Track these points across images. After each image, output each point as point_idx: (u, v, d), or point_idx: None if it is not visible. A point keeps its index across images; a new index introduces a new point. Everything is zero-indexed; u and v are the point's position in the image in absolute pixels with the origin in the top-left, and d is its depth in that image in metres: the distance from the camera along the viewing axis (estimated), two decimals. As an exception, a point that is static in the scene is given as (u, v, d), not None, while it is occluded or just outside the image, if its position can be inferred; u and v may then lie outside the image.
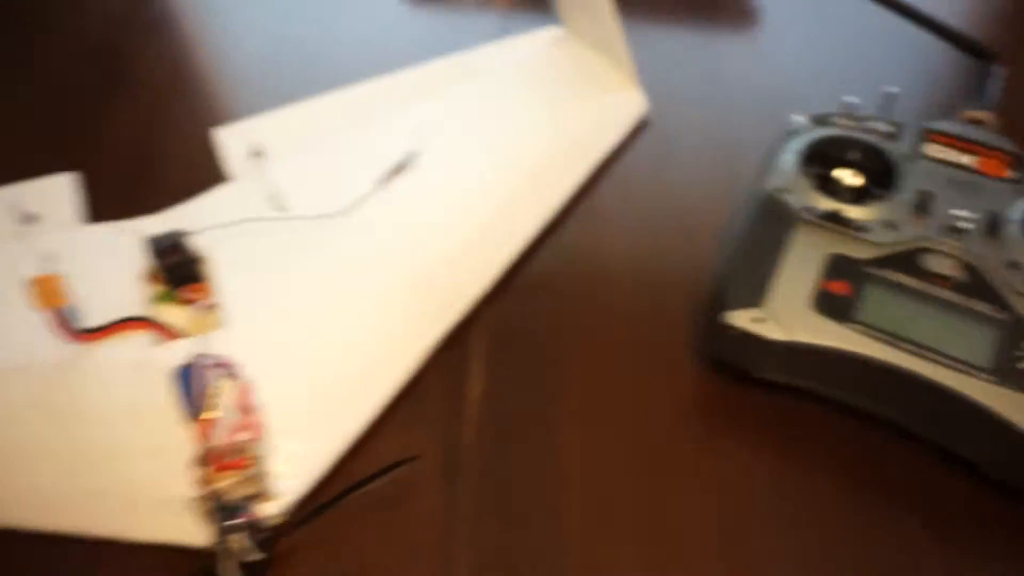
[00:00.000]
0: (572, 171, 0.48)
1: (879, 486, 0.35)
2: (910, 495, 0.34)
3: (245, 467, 0.32)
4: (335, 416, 0.36)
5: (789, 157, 0.39)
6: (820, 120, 0.41)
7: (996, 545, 0.33)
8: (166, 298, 0.41)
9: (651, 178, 0.49)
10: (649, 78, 0.52)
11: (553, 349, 0.40)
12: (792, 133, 0.40)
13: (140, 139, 0.51)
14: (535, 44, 0.56)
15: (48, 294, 0.36)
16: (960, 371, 0.32)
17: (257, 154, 0.47)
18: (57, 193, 0.46)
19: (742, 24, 0.59)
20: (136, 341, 0.38)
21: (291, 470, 0.34)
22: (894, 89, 0.40)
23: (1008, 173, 0.38)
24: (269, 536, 0.32)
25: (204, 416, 0.32)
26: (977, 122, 0.42)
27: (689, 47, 0.57)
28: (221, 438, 0.32)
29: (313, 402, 0.36)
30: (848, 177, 0.38)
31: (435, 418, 0.37)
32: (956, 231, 0.35)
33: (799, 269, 0.35)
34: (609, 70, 0.53)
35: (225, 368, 0.35)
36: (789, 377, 0.36)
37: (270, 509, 0.33)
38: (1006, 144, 0.40)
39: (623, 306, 0.42)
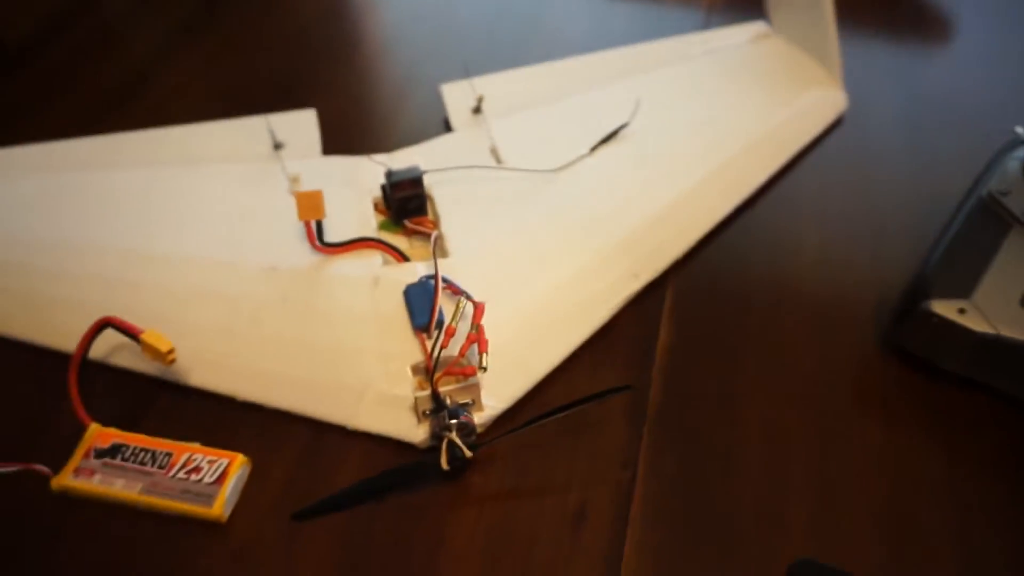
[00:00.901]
0: (771, 157, 0.50)
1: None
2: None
3: (470, 376, 0.36)
4: (538, 348, 0.40)
5: (1014, 164, 0.39)
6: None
7: None
8: (388, 227, 0.46)
9: (845, 173, 0.50)
10: (849, 80, 0.54)
11: (738, 316, 0.42)
12: (1018, 141, 0.41)
13: (370, 90, 0.57)
14: (741, 36, 0.58)
15: (310, 208, 0.41)
16: None
17: (478, 110, 0.52)
18: (302, 125, 0.52)
19: (939, 36, 0.60)
20: (369, 259, 0.43)
21: (499, 389, 0.38)
22: None
23: None
24: (477, 439, 0.36)
25: (447, 327, 0.36)
26: None
27: (888, 54, 0.58)
28: (454, 349, 0.36)
29: (520, 333, 0.40)
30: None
31: (624, 363, 0.40)
32: None
33: (1011, 268, 0.36)
34: (813, 67, 0.55)
35: (457, 291, 0.39)
36: (979, 372, 0.37)
37: (479, 418, 0.37)
38: None
39: (808, 287, 0.44)
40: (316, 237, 0.42)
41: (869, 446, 0.37)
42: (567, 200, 0.46)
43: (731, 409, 0.39)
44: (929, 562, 0.33)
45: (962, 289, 0.36)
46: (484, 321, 0.38)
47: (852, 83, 0.54)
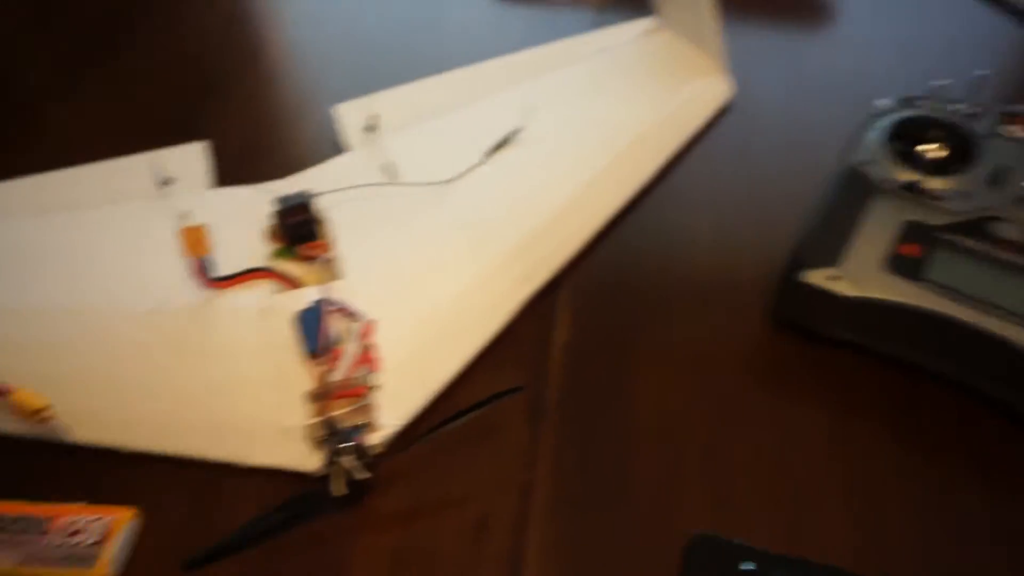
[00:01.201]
0: (661, 149, 0.50)
1: (927, 432, 0.37)
2: (955, 439, 0.36)
3: (360, 396, 0.36)
4: (435, 360, 0.40)
5: (874, 135, 0.41)
6: (906, 102, 0.43)
7: None
8: (286, 254, 0.45)
9: (734, 158, 0.51)
10: (734, 67, 0.55)
11: (633, 306, 0.43)
12: (878, 114, 0.42)
13: (265, 115, 0.56)
14: (630, 33, 0.59)
15: (195, 243, 0.41)
16: (1020, 325, 0.34)
17: (372, 128, 0.52)
18: (190, 159, 0.51)
19: (820, 21, 0.62)
20: (261, 289, 0.43)
21: (394, 406, 0.38)
22: (983, 72, 0.41)
23: (1082, 152, 0.39)
24: (374, 459, 0.36)
25: (333, 349, 0.36)
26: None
27: (771, 40, 0.60)
28: (342, 371, 0.36)
29: (416, 347, 0.40)
30: (931, 151, 0.39)
31: (524, 363, 0.41)
32: (1027, 201, 0.37)
33: (875, 234, 0.37)
34: (699, 57, 0.56)
35: (346, 312, 0.39)
36: (854, 334, 0.38)
37: (375, 438, 0.37)
38: (1083, 124, 0.41)
39: (700, 273, 0.45)
40: (203, 273, 0.42)
41: (759, 418, 0.38)
42: (462, 209, 0.47)
43: (627, 398, 0.39)
44: (823, 522, 0.35)
45: (831, 257, 0.37)
46: (379, 338, 0.39)
47: (739, 70, 0.55)
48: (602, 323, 0.42)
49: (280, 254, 0.46)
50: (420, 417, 0.38)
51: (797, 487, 0.36)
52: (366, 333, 0.37)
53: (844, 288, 0.36)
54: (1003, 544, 0.33)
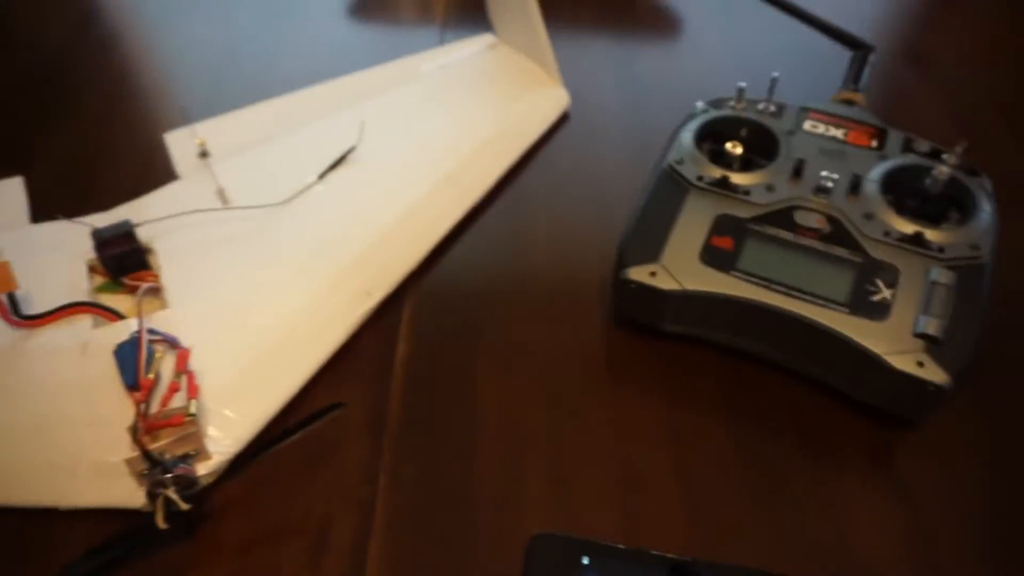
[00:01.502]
0: (499, 160, 0.51)
1: (758, 414, 0.39)
2: (784, 420, 0.38)
3: (181, 425, 0.34)
4: (268, 383, 0.39)
5: (687, 135, 0.43)
6: (716, 104, 0.45)
7: (850, 453, 0.37)
8: (110, 288, 0.43)
9: (572, 165, 0.52)
10: (573, 78, 0.57)
11: (476, 315, 0.43)
12: (692, 116, 0.44)
13: (95, 144, 0.54)
14: (470, 49, 0.60)
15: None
16: (822, 306, 0.36)
17: (204, 155, 0.51)
18: (7, 194, 0.49)
19: (661, 30, 0.64)
20: (80, 324, 0.40)
21: (225, 433, 0.37)
22: (775, 74, 0.44)
23: (871, 143, 0.43)
24: (204, 489, 0.34)
25: (151, 380, 0.34)
26: (849, 102, 0.47)
27: (609, 51, 0.62)
28: (159, 400, 0.35)
29: (248, 372, 0.39)
30: (734, 148, 0.42)
31: (364, 378, 0.40)
32: (824, 190, 0.40)
33: (690, 229, 0.39)
34: (534, 70, 0.57)
35: (164, 341, 0.37)
36: (683, 326, 0.40)
37: (205, 467, 0.35)
38: (871, 119, 0.44)
39: (542, 280, 0.45)
40: (10, 311, 0.40)
41: (600, 416, 0.39)
42: (296, 230, 0.46)
43: (469, 406, 0.39)
44: (661, 511, 0.36)
45: (652, 254, 0.39)
46: (203, 365, 0.37)
47: (578, 81, 0.57)
48: (445, 333, 0.42)
49: (105, 288, 0.43)
50: (256, 441, 0.37)
51: (637, 479, 0.37)
52: (182, 360, 0.36)
53: (665, 283, 0.38)
54: (829, 508, 0.35)
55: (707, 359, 0.41)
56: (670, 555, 0.33)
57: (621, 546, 0.33)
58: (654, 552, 0.33)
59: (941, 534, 0.35)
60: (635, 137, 0.54)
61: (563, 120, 0.56)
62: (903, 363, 0.34)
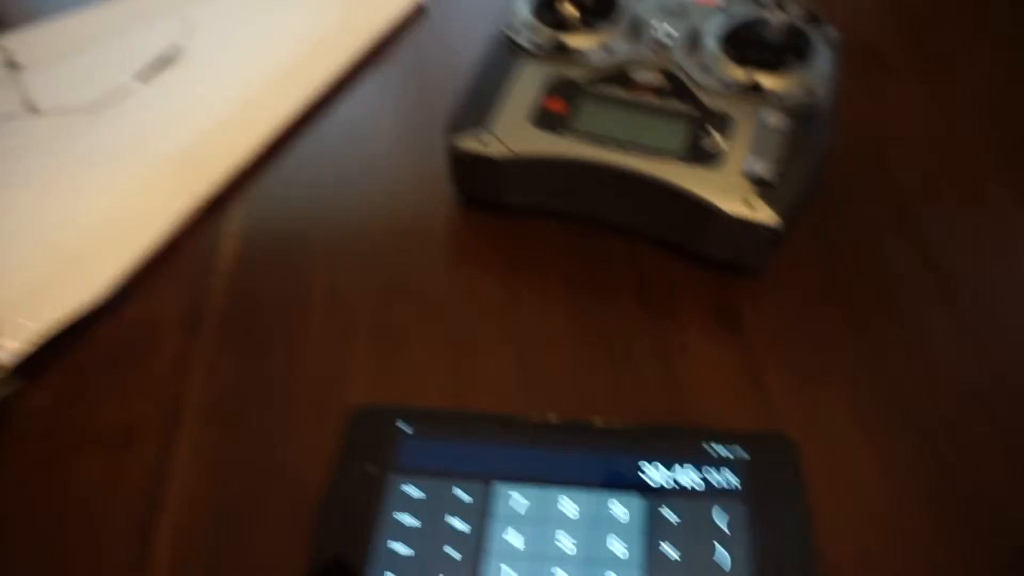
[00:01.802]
0: (337, 56, 0.48)
1: (599, 279, 0.37)
2: (625, 281, 0.37)
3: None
4: (68, 287, 0.36)
5: (521, 3, 0.40)
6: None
7: (690, 306, 0.36)
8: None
9: (425, 58, 0.50)
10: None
11: (311, 213, 0.41)
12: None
13: None
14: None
15: None
16: (656, 159, 0.35)
17: (12, 65, 0.46)
18: None
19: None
20: None
21: (15, 338, 0.34)
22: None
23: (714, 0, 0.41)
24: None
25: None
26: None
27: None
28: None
29: (55, 269, 0.36)
30: (569, 9, 0.39)
31: (185, 277, 0.38)
32: (662, 47, 0.38)
33: (523, 94, 0.37)
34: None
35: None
36: (522, 196, 0.38)
37: (-4, 365, 0.32)
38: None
39: (384, 171, 0.43)
40: None
41: (433, 292, 0.37)
42: (113, 134, 0.42)
43: (298, 300, 0.37)
44: (492, 375, 0.34)
45: (481, 121, 0.36)
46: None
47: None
48: (278, 232, 0.40)
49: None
50: (66, 338, 0.34)
51: (469, 349, 0.35)
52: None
53: (495, 149, 0.36)
54: (666, 361, 0.34)
55: (550, 231, 0.39)
56: (495, 413, 0.31)
57: (441, 409, 0.32)
58: (477, 412, 0.32)
59: (769, 369, 0.34)
60: (491, 25, 0.52)
61: (420, 15, 0.53)
62: (734, 207, 0.33)
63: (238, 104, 0.44)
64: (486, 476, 0.29)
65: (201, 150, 0.42)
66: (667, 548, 0.27)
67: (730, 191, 0.33)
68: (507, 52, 0.39)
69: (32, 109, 0.44)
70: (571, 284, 0.37)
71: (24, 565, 0.29)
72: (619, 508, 0.28)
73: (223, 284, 0.37)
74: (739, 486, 0.29)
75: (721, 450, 0.30)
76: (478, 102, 0.37)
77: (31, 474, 0.31)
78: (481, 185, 0.38)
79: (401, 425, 0.31)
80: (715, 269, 0.37)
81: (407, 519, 0.28)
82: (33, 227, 0.38)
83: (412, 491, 0.29)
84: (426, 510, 0.28)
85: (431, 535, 0.28)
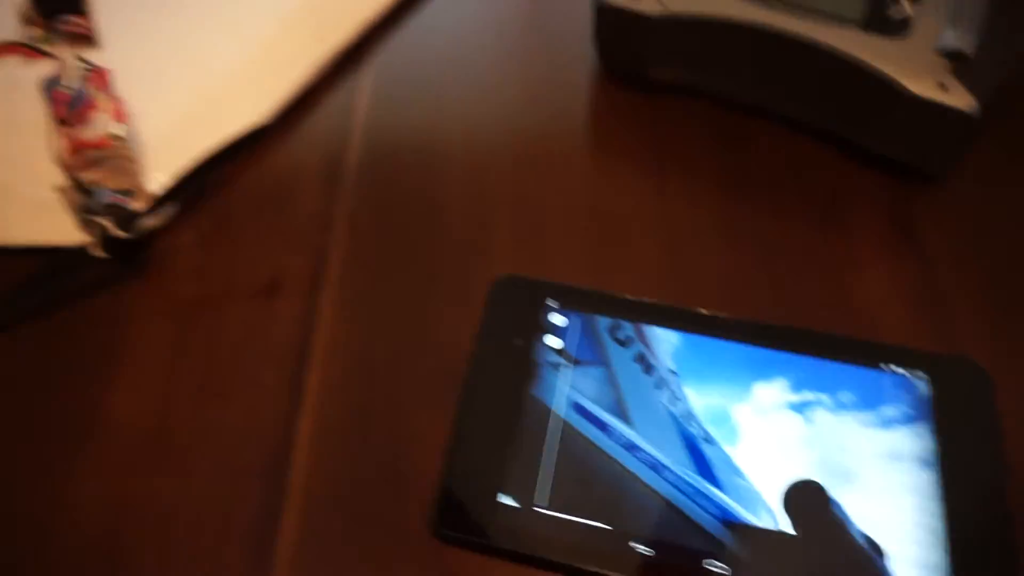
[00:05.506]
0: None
1: (753, 170, 0.35)
2: (782, 175, 0.35)
3: (109, 147, 0.31)
4: (210, 129, 0.35)
5: None
6: None
7: (859, 210, 0.33)
8: (44, 40, 0.39)
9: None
10: None
11: (442, 72, 0.39)
12: None
13: None
14: None
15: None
16: (832, 25, 0.32)
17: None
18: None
19: None
20: (10, 63, 0.37)
21: (162, 172, 0.34)
22: None
23: None
24: (138, 225, 0.31)
25: (81, 110, 0.31)
26: None
27: None
28: (88, 127, 0.32)
29: (194, 115, 0.36)
30: None
31: (321, 130, 0.37)
32: None
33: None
34: None
35: (89, 70, 0.34)
36: (670, 68, 0.35)
37: (143, 204, 0.32)
38: None
39: (521, 29, 0.41)
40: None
41: (575, 167, 0.35)
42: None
43: (433, 163, 0.36)
44: (637, 262, 0.33)
45: (636, -22, 0.34)
46: (144, 109, 0.34)
47: None
48: (409, 90, 0.38)
49: (41, 40, 0.39)
50: (196, 184, 0.34)
51: (614, 230, 0.33)
52: (99, 80, 0.33)
53: (647, 6, 0.33)
54: (833, 266, 0.32)
55: (698, 112, 0.36)
56: (643, 299, 0.30)
57: (590, 288, 0.31)
58: (625, 296, 0.31)
59: (955, 296, 0.31)
60: None
61: None
62: (922, 86, 0.30)
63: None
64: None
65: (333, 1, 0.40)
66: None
67: (919, 67, 0.30)
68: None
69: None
70: (723, 176, 0.35)
71: (184, 400, 0.30)
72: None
73: (359, 140, 0.37)
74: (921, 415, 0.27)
75: (901, 371, 0.28)
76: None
77: (184, 312, 0.32)
78: (627, 50, 0.35)
79: (550, 302, 0.30)
80: (889, 172, 0.34)
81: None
82: (179, 65, 0.37)
83: (556, 359, 0.29)
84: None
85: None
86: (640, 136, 0.36)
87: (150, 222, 0.32)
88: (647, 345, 0.29)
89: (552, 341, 0.29)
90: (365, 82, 0.39)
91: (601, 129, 0.37)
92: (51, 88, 0.34)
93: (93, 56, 0.36)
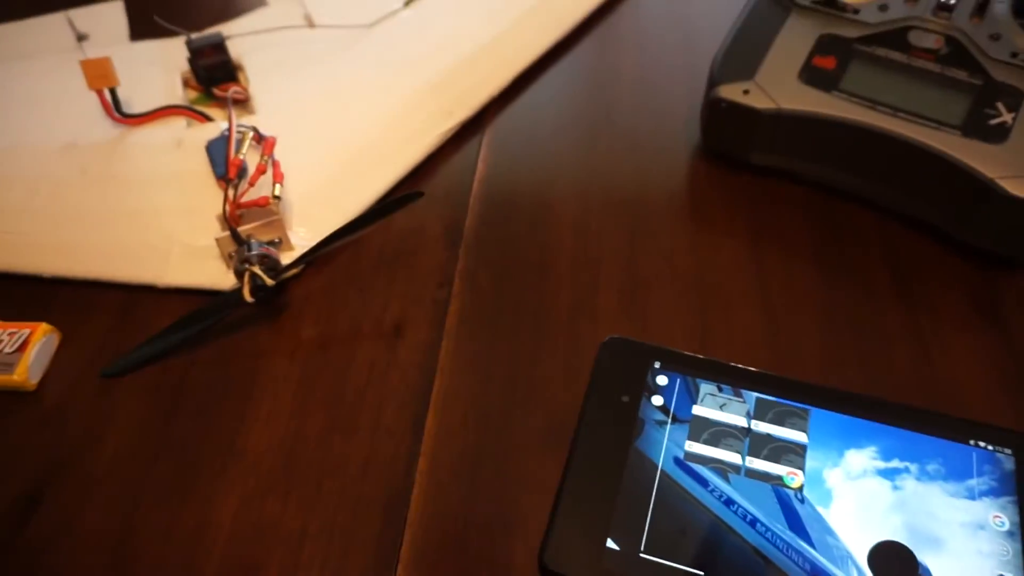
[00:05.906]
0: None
1: (847, 252, 0.37)
2: (875, 259, 0.37)
3: (266, 206, 0.35)
4: (352, 189, 0.39)
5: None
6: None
7: (946, 293, 0.35)
8: (202, 101, 0.44)
9: (664, 6, 0.50)
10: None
11: (556, 142, 0.43)
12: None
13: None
14: None
15: (99, 75, 0.40)
16: (933, 128, 0.34)
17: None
18: (108, 16, 0.50)
19: None
20: (175, 125, 0.42)
21: (307, 229, 0.38)
22: None
23: (1005, -38, 0.39)
24: (280, 267, 0.35)
25: (232, 160, 0.35)
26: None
27: None
28: (246, 183, 0.36)
29: (330, 179, 0.40)
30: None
31: (444, 193, 0.41)
32: (945, 8, 0.36)
33: (790, 48, 0.37)
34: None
35: (252, 132, 0.38)
36: (773, 155, 0.38)
37: (288, 258, 0.36)
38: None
39: (625, 114, 0.44)
40: (113, 108, 0.41)
41: (678, 238, 0.38)
42: (381, 50, 0.46)
43: (546, 227, 0.39)
44: (737, 330, 0.35)
45: (746, 72, 0.37)
46: (293, 170, 0.38)
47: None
48: (524, 159, 0.42)
49: (200, 101, 0.45)
50: (346, 245, 0.38)
51: (716, 302, 0.36)
52: (269, 146, 0.37)
53: (758, 101, 0.36)
54: (923, 347, 0.34)
55: (795, 195, 0.39)
56: (747, 367, 0.32)
57: (694, 354, 0.33)
58: (729, 363, 0.33)
59: None
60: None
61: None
62: (1018, 187, 0.32)
63: (494, 36, 0.46)
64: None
65: (462, 73, 0.44)
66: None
67: (1015, 171, 0.32)
68: (773, 3, 0.39)
69: (311, 23, 0.48)
70: (818, 253, 0.37)
71: (311, 434, 0.33)
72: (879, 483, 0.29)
73: (477, 204, 0.40)
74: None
75: (986, 447, 0.30)
76: (744, 53, 0.37)
77: (313, 354, 0.35)
78: (732, 137, 0.38)
79: (657, 365, 0.32)
80: (974, 256, 0.36)
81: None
82: (320, 132, 0.42)
83: (661, 416, 0.31)
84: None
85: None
86: (739, 214, 0.39)
87: (291, 271, 0.36)
88: (746, 411, 0.31)
89: (657, 400, 0.31)
90: (483, 151, 0.42)
91: (702, 204, 0.39)
92: (215, 150, 0.38)
93: (247, 120, 0.41)
